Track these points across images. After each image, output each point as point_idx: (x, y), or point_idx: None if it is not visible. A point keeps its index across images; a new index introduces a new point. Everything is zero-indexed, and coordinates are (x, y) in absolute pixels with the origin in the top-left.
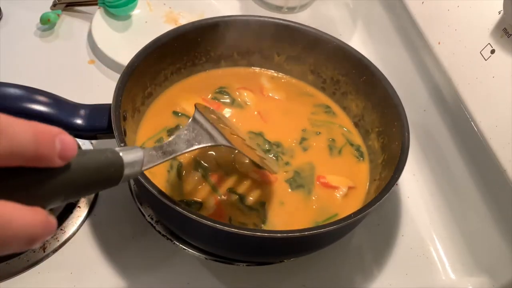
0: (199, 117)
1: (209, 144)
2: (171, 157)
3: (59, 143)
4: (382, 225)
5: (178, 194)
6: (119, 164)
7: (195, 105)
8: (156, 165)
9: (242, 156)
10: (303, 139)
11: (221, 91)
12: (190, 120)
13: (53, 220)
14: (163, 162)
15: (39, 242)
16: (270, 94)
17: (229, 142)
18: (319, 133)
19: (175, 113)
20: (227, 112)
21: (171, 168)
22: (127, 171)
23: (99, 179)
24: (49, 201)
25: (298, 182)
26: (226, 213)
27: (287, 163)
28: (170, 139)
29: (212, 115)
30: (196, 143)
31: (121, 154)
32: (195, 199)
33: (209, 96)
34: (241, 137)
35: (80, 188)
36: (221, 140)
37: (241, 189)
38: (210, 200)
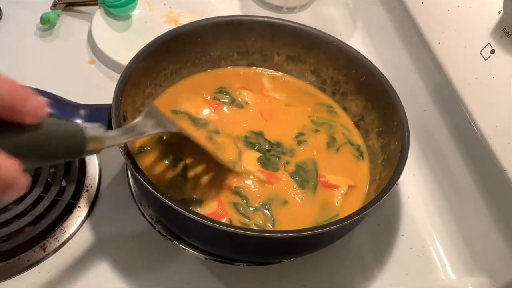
0: (153, 110)
1: (164, 130)
2: (130, 139)
3: (32, 102)
4: (382, 225)
5: (180, 192)
6: (83, 136)
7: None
8: (117, 144)
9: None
10: (302, 139)
11: (221, 91)
12: (145, 110)
13: (26, 176)
14: (123, 142)
15: (11, 191)
16: (270, 94)
17: (181, 130)
18: (318, 130)
19: (174, 111)
20: (226, 111)
21: (175, 167)
22: (90, 145)
23: (64, 146)
24: (19, 157)
25: (303, 176)
26: (228, 212)
27: (287, 163)
28: (131, 123)
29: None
30: (154, 129)
31: (84, 128)
32: (196, 197)
33: (208, 98)
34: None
35: (46, 151)
36: (174, 129)
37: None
38: (212, 199)
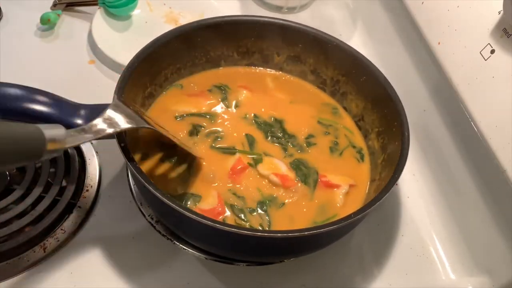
0: (119, 104)
1: (129, 126)
2: (93, 138)
3: None
4: (382, 225)
5: (181, 187)
6: (41, 138)
7: (114, 94)
8: (80, 143)
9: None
10: (312, 141)
11: (220, 87)
12: (110, 105)
13: None
14: (85, 142)
15: None
16: (272, 93)
17: (149, 124)
18: (328, 133)
19: (177, 117)
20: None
21: (180, 164)
22: (50, 146)
23: (19, 149)
24: None
25: (304, 171)
26: (226, 210)
27: (291, 155)
28: (93, 122)
29: (137, 109)
30: (116, 127)
31: (43, 129)
32: (195, 192)
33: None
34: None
35: (2, 155)
36: (141, 123)
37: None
38: (211, 195)
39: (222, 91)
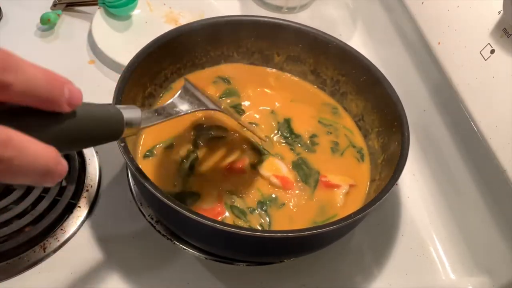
0: (189, 86)
1: (200, 108)
2: (165, 119)
3: (68, 91)
4: (382, 225)
5: (182, 185)
6: (120, 119)
7: (184, 78)
8: (153, 125)
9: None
10: (316, 141)
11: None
12: (181, 88)
13: (64, 161)
14: (158, 123)
15: (51, 177)
16: (273, 92)
17: (219, 107)
18: (330, 133)
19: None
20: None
21: (185, 160)
22: (127, 126)
23: (102, 130)
24: (57, 144)
25: (305, 171)
26: (224, 210)
27: (298, 154)
28: (165, 104)
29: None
30: (188, 108)
31: (121, 110)
32: (195, 190)
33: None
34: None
35: (85, 136)
36: (211, 105)
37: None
38: (211, 194)
39: (226, 82)
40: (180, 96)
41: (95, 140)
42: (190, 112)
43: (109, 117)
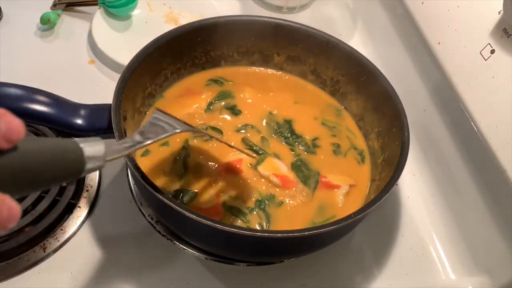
0: (158, 115)
1: (169, 134)
2: (132, 149)
3: (4, 124)
4: (382, 225)
5: (179, 184)
6: (79, 154)
7: (154, 107)
8: (118, 157)
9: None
10: (317, 143)
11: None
12: (150, 117)
13: (15, 205)
14: (124, 155)
15: (3, 225)
16: (274, 93)
17: (193, 127)
18: (335, 135)
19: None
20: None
21: (178, 158)
22: (89, 163)
23: (56, 168)
24: (2, 186)
25: (305, 173)
26: (223, 209)
27: (298, 155)
28: (132, 134)
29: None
30: (156, 135)
31: (81, 145)
32: (192, 189)
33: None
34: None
35: (33, 176)
36: (183, 127)
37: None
38: (208, 192)
39: (219, 84)
40: (148, 125)
41: (50, 179)
42: (159, 139)
43: (64, 152)
